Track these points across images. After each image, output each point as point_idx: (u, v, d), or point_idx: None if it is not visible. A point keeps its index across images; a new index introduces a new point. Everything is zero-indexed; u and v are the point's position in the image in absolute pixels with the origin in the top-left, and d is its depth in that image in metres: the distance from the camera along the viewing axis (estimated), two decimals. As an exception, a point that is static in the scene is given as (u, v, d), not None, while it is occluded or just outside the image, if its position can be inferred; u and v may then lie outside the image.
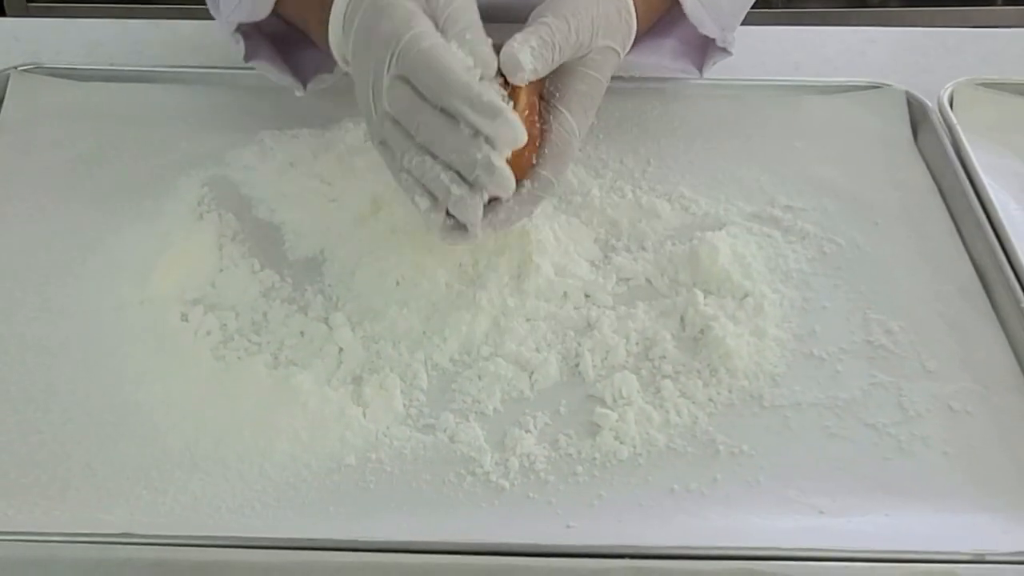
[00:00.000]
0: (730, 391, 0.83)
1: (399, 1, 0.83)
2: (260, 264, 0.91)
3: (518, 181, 0.82)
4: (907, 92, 1.10)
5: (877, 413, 0.82)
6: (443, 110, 0.79)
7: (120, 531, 0.72)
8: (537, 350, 0.85)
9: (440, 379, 0.83)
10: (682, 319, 0.88)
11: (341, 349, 0.84)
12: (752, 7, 1.07)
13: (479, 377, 0.83)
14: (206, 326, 0.86)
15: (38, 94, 1.08)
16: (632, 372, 0.83)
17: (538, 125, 0.85)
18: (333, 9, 0.88)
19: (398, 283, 0.88)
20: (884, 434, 0.81)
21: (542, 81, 0.86)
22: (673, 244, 0.94)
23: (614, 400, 0.82)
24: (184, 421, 0.79)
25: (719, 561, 0.71)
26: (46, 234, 0.95)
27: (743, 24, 1.07)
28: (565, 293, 0.89)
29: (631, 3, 0.91)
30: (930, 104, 1.08)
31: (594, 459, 0.78)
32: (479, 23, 0.84)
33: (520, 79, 0.82)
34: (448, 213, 0.82)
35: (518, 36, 0.83)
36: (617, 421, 0.80)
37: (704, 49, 1.08)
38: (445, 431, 0.80)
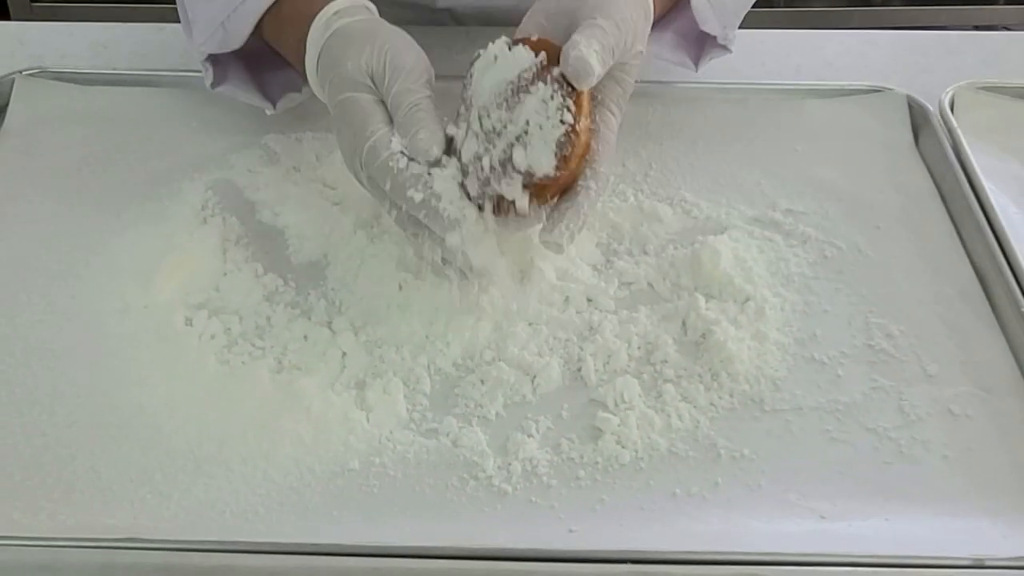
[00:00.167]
0: (731, 395, 0.83)
1: (352, 97, 0.86)
2: (264, 268, 0.92)
3: (571, 181, 0.82)
4: (908, 96, 1.10)
5: (878, 417, 0.82)
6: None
7: (125, 535, 0.72)
8: (539, 354, 0.85)
9: (443, 383, 0.84)
10: (684, 323, 0.88)
11: (344, 353, 0.85)
12: (753, 6, 1.08)
13: (482, 381, 0.84)
14: (210, 330, 0.86)
15: (43, 98, 1.09)
16: (634, 376, 0.84)
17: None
18: (308, 74, 0.92)
19: (401, 287, 0.88)
20: (885, 438, 0.81)
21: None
22: (675, 248, 0.94)
23: (616, 404, 0.82)
24: (188, 425, 0.80)
25: (720, 566, 0.72)
26: (50, 237, 0.95)
27: (744, 27, 1.07)
28: (567, 297, 0.90)
29: (651, 5, 0.91)
30: (931, 108, 1.08)
31: (596, 463, 0.79)
32: (420, 102, 0.84)
33: (587, 83, 0.81)
34: None
35: (578, 38, 0.82)
36: (619, 425, 0.80)
37: (701, 44, 1.08)
38: (448, 435, 0.80)
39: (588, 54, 0.80)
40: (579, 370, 0.85)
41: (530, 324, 0.87)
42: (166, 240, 0.93)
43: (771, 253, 0.95)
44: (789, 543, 0.73)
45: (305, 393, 0.81)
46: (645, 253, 0.94)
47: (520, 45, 0.83)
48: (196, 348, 0.85)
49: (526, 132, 0.81)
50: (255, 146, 1.04)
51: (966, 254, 0.96)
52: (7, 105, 1.08)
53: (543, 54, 0.82)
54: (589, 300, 0.90)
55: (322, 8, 0.90)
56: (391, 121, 0.85)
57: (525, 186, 0.81)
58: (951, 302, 0.91)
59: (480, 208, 0.82)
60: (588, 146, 0.82)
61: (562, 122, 0.80)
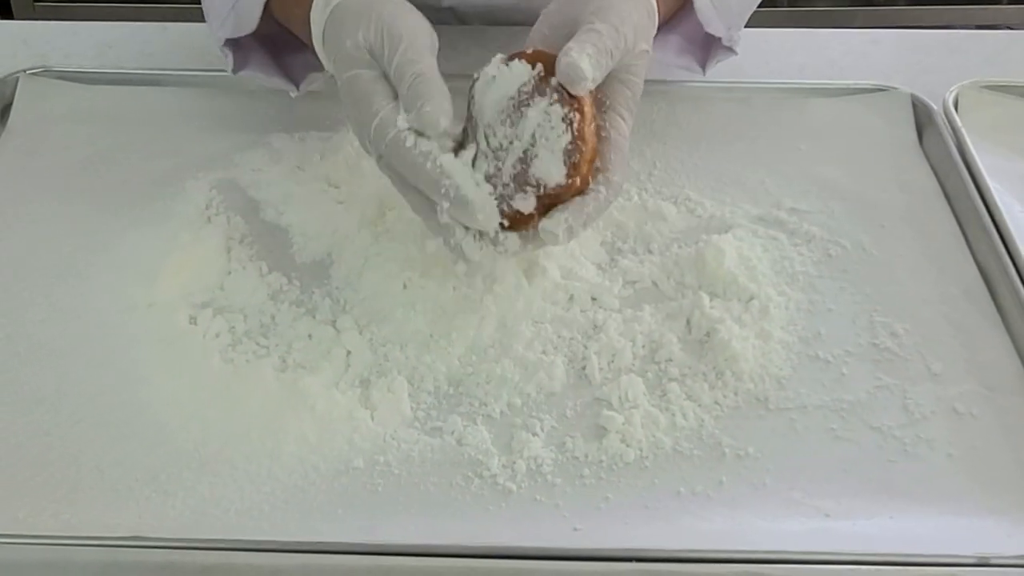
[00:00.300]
0: (736, 394, 0.83)
1: (356, 74, 0.85)
2: (268, 267, 0.92)
3: (584, 187, 0.82)
4: (912, 95, 1.10)
5: (882, 416, 0.82)
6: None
7: (129, 534, 0.72)
8: (544, 353, 0.85)
9: (447, 382, 0.84)
10: (688, 322, 0.88)
11: (349, 352, 0.85)
12: (758, 6, 1.08)
13: (486, 380, 0.84)
14: (214, 329, 0.86)
15: (47, 97, 1.09)
16: (638, 375, 0.84)
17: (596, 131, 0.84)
18: (317, 50, 0.90)
19: (405, 286, 0.88)
20: (889, 437, 0.81)
21: (599, 88, 0.85)
22: (679, 247, 0.94)
23: (620, 403, 0.82)
24: (192, 423, 0.80)
25: (725, 564, 0.72)
26: (55, 236, 0.95)
27: (748, 26, 1.07)
28: (571, 296, 0.90)
29: (655, 4, 0.91)
30: (935, 107, 1.08)
31: (601, 462, 0.79)
32: (423, 70, 0.83)
33: (583, 89, 0.81)
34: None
35: (573, 45, 0.82)
36: (623, 424, 0.80)
37: (707, 47, 1.08)
38: (452, 434, 0.80)
39: (580, 59, 0.80)
40: (583, 369, 0.85)
41: (534, 323, 0.87)
42: (170, 239, 0.93)
43: (775, 252, 0.95)
44: (793, 541, 0.73)
45: (309, 392, 0.81)
46: (649, 252, 0.95)
47: (516, 60, 0.84)
48: (200, 347, 0.85)
49: (532, 145, 0.81)
50: (259, 145, 1.04)
51: (970, 253, 0.96)
52: (11, 104, 1.08)
53: (540, 66, 0.82)
54: (593, 299, 0.90)
55: None
56: (396, 96, 0.84)
57: (539, 198, 0.81)
58: (955, 301, 0.91)
59: (502, 225, 0.82)
60: (595, 150, 0.82)
61: (566, 130, 0.80)
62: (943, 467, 0.79)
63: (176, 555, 0.72)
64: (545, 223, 0.82)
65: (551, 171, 0.81)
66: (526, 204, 0.81)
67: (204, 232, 0.94)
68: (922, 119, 1.09)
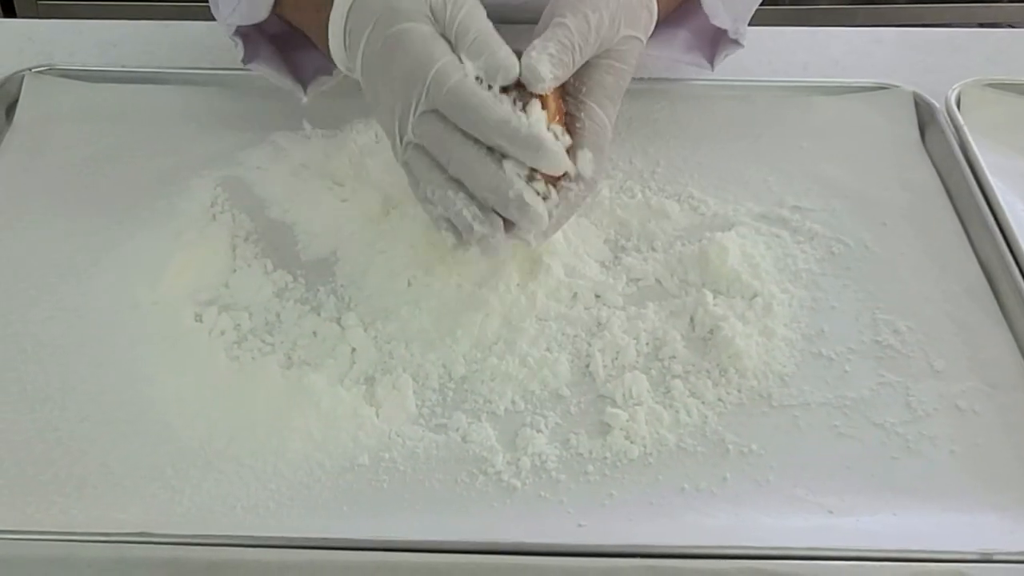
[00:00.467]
0: (739, 391, 0.84)
1: (411, 27, 0.82)
2: (273, 264, 0.92)
3: (558, 182, 0.82)
4: (915, 93, 1.10)
5: (885, 412, 0.82)
6: (476, 142, 0.80)
7: (136, 530, 0.73)
8: (548, 350, 0.86)
9: (452, 379, 0.84)
10: (692, 319, 0.88)
11: (354, 349, 0.85)
12: (760, 5, 1.08)
13: (490, 377, 0.84)
14: (220, 326, 0.86)
15: (51, 95, 1.09)
16: (642, 372, 0.84)
17: (564, 123, 0.84)
18: (331, 21, 0.87)
19: (410, 283, 0.89)
20: (892, 433, 0.81)
21: (579, 76, 0.85)
22: (682, 244, 0.95)
23: (624, 400, 0.82)
24: (198, 420, 0.80)
25: (729, 560, 0.72)
26: (60, 234, 0.95)
27: (751, 24, 1.07)
28: (575, 294, 0.90)
29: None
30: (937, 105, 1.08)
31: (605, 458, 0.79)
32: (489, 28, 0.82)
33: (541, 89, 0.81)
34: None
35: (536, 43, 0.82)
36: (628, 421, 0.81)
37: (715, 42, 1.08)
38: (457, 431, 0.80)
39: (538, 60, 0.80)
40: (587, 366, 0.85)
41: (539, 320, 0.88)
42: (175, 237, 0.93)
43: (778, 249, 0.95)
44: (797, 537, 0.73)
45: (315, 389, 0.81)
46: (653, 249, 0.95)
47: None
48: (206, 344, 0.85)
49: None
50: (264, 143, 1.04)
51: (973, 251, 0.96)
52: (16, 103, 1.08)
53: None
54: (597, 296, 0.90)
55: None
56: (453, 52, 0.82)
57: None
58: (958, 299, 0.92)
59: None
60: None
61: None
62: (946, 464, 0.79)
63: (182, 551, 0.72)
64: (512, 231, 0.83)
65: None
66: None
67: (209, 230, 0.94)
68: (924, 117, 1.09)
